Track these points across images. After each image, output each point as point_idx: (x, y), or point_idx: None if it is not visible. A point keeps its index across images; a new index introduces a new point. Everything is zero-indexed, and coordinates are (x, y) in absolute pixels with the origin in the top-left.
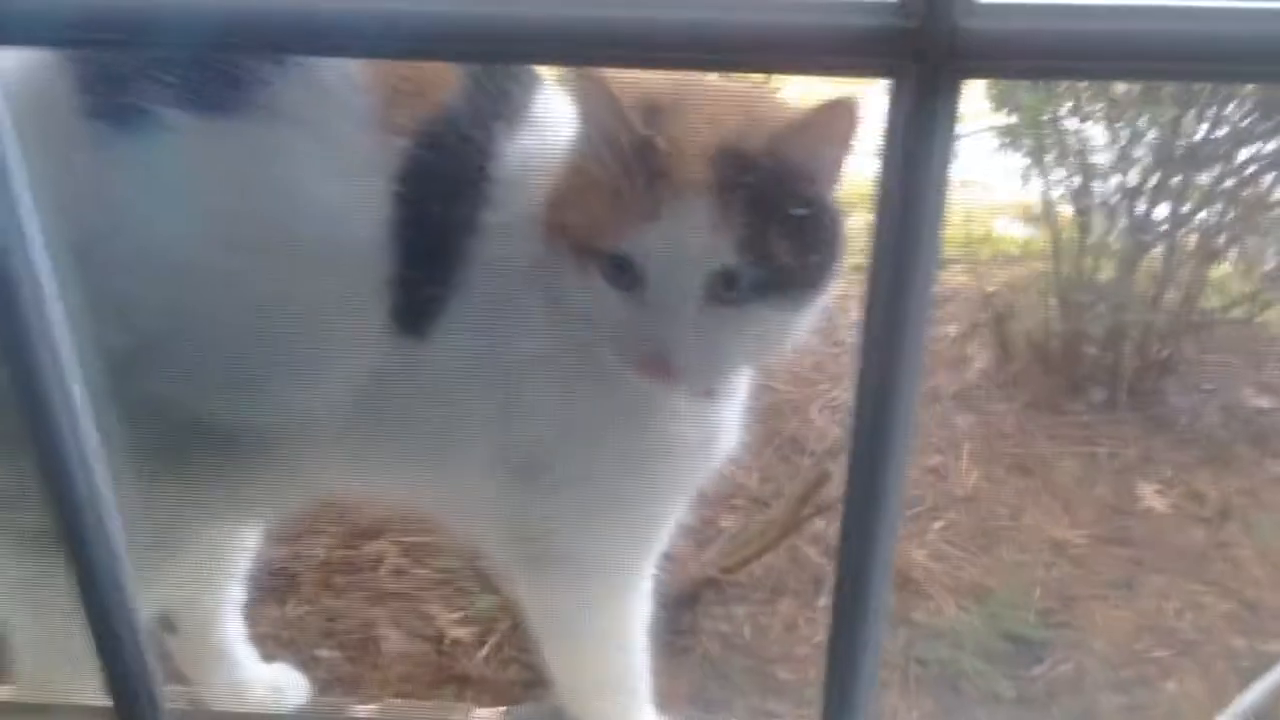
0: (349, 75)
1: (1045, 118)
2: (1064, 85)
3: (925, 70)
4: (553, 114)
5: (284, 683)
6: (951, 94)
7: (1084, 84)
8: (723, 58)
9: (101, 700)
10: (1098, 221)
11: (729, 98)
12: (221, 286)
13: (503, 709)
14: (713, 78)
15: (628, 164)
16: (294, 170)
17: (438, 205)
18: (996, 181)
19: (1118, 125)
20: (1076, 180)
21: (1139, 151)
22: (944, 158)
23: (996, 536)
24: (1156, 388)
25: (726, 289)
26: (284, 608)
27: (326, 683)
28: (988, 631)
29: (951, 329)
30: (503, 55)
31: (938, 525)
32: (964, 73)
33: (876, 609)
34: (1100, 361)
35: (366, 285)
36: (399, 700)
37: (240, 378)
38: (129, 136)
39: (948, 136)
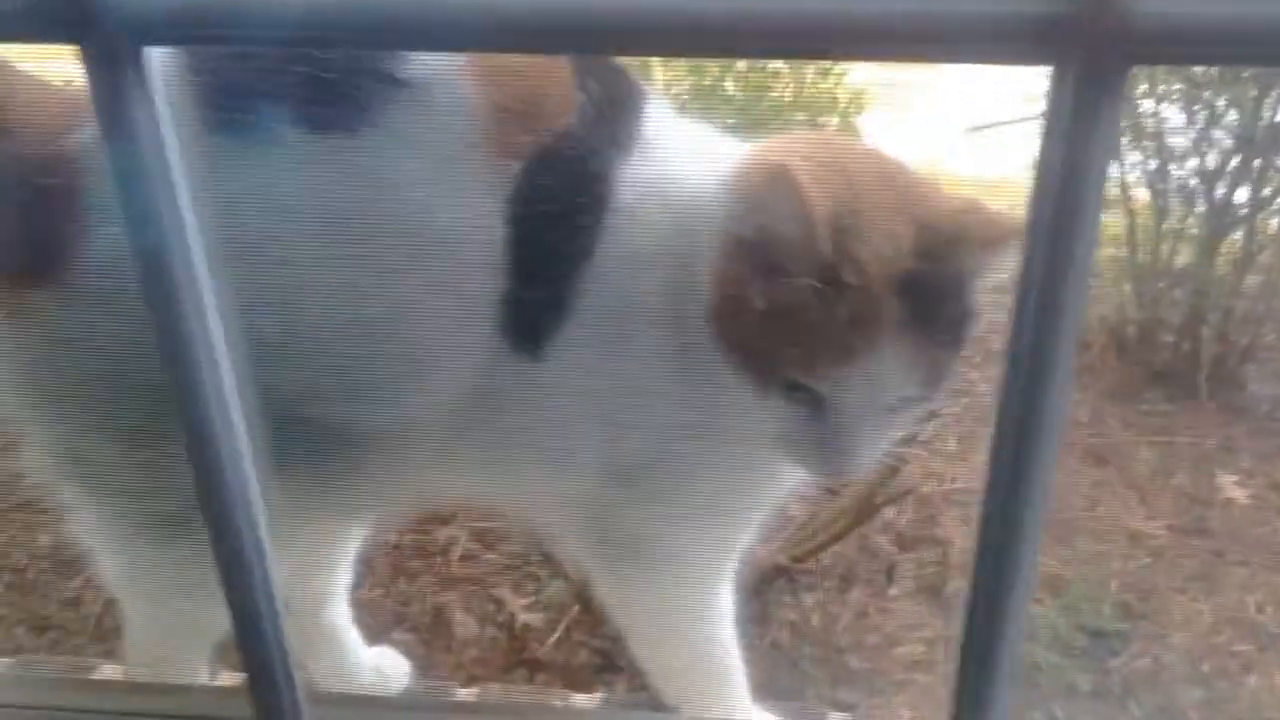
0: (461, 96)
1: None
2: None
3: (1092, 57)
4: (665, 139)
5: (388, 666)
6: (1118, 83)
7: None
8: (879, 47)
9: (221, 681)
10: (1175, 205)
11: (897, 195)
12: (332, 297)
13: (599, 695)
14: (893, 170)
15: (819, 299)
16: (405, 188)
17: (551, 229)
18: None
19: (1196, 107)
20: (1153, 163)
21: (1218, 134)
22: (1107, 150)
23: (1072, 527)
24: (1236, 375)
25: (899, 403)
26: (358, 591)
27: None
28: (1063, 624)
29: None
30: (630, 45)
31: None
32: (1133, 59)
33: (1015, 625)
34: (1178, 349)
35: (476, 303)
36: (497, 686)
37: (349, 384)
38: (247, 151)
39: (1112, 129)
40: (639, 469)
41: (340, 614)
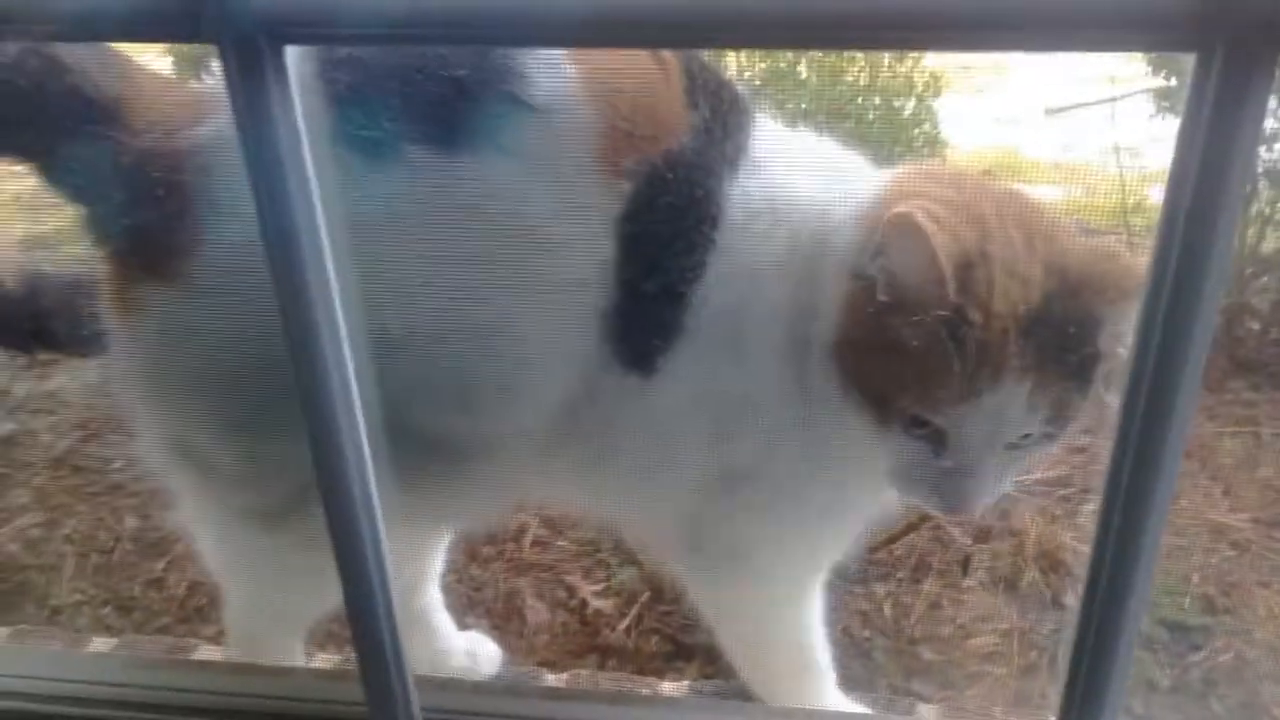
0: (579, 119)
1: None
2: None
3: (1237, 45)
4: (777, 156)
5: (479, 650)
6: (1265, 71)
7: None
8: (1021, 36)
9: (317, 663)
10: (1264, 189)
11: (1028, 236)
12: (445, 308)
13: (687, 683)
14: (1027, 213)
15: (942, 335)
16: (523, 206)
17: (662, 248)
18: (1152, 148)
19: None
20: None
21: None
22: (1253, 140)
23: None
24: None
25: (1022, 440)
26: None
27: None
28: (1144, 619)
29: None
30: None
31: (1088, 508)
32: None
33: (1132, 626)
34: (1264, 337)
35: (586, 320)
36: (585, 672)
37: (456, 393)
38: (374, 166)
39: (1258, 118)
40: (741, 482)
41: (433, 599)
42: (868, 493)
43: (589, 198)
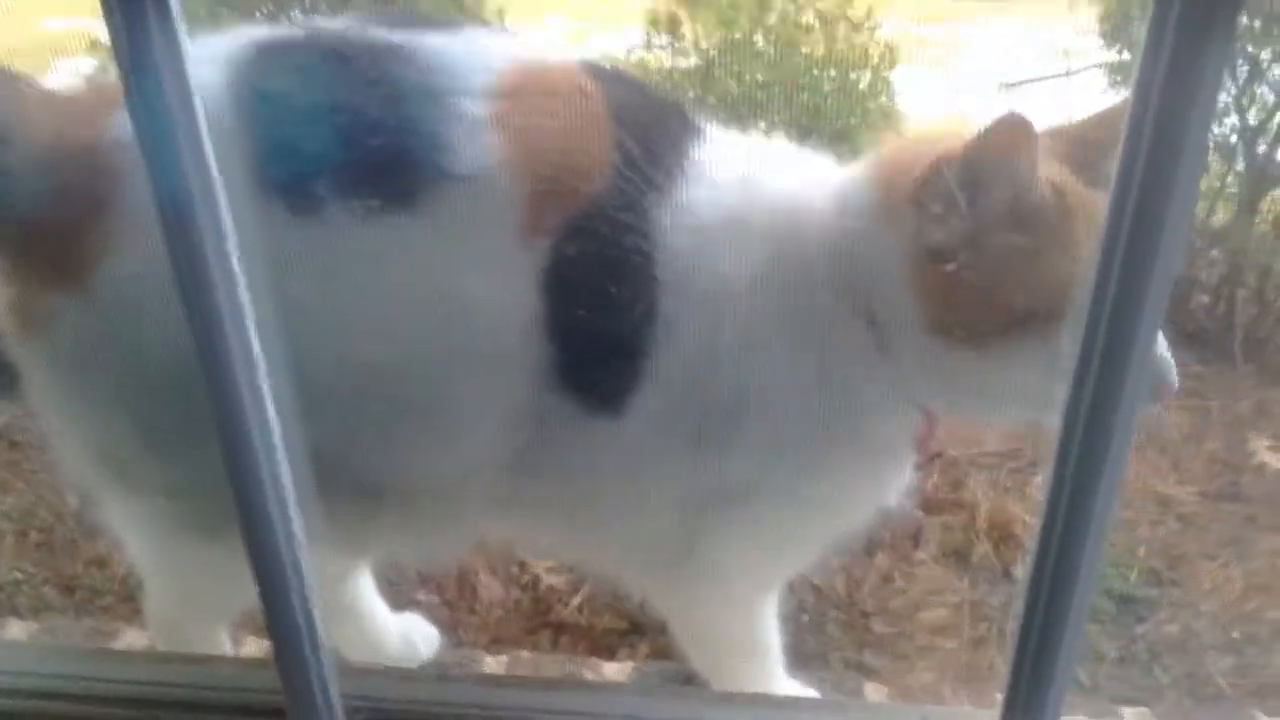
0: (500, 186)
1: None
2: None
3: None
4: (719, 163)
5: (415, 633)
6: (1226, 27)
7: None
8: None
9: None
10: (1214, 163)
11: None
12: (385, 364)
13: (632, 665)
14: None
15: (1052, 224)
16: (445, 270)
17: (603, 299)
18: None
19: (1238, 62)
20: None
21: (1260, 89)
22: (1211, 99)
23: None
24: (1272, 338)
25: None
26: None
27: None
28: None
29: None
30: None
31: (1039, 480)
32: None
33: (1082, 602)
34: (1212, 310)
35: (521, 373)
36: (526, 654)
37: (380, 445)
38: (298, 220)
39: (1217, 77)
40: (726, 500)
41: (363, 584)
42: (846, 499)
43: (513, 262)
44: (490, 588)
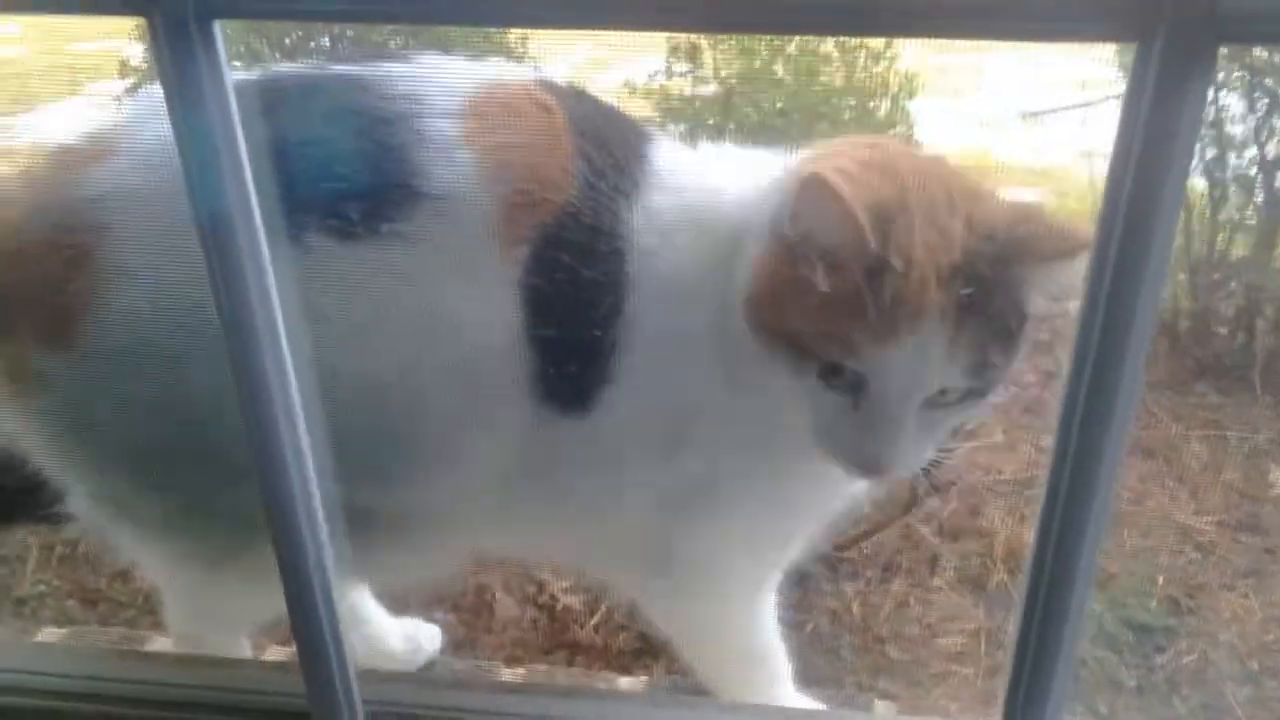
0: (474, 201)
1: None
2: None
3: (1178, 33)
4: (672, 168)
5: (417, 633)
6: (1206, 61)
7: (1222, 49)
8: (967, 25)
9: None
10: (1233, 195)
11: (949, 195)
12: (371, 388)
13: (643, 679)
14: (927, 165)
15: (862, 282)
16: (427, 287)
17: (571, 298)
18: None
19: (1256, 95)
20: (1211, 152)
21: (1278, 121)
22: (1192, 132)
23: (1119, 521)
24: None
25: (941, 398)
26: None
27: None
28: (1109, 619)
29: (1073, 306)
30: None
31: None
32: (1222, 37)
33: (1077, 619)
34: (1232, 341)
35: (507, 383)
36: (543, 667)
37: (387, 469)
38: (281, 252)
39: (1197, 109)
40: (696, 494)
41: (362, 592)
42: (811, 487)
43: (491, 273)
44: (506, 607)
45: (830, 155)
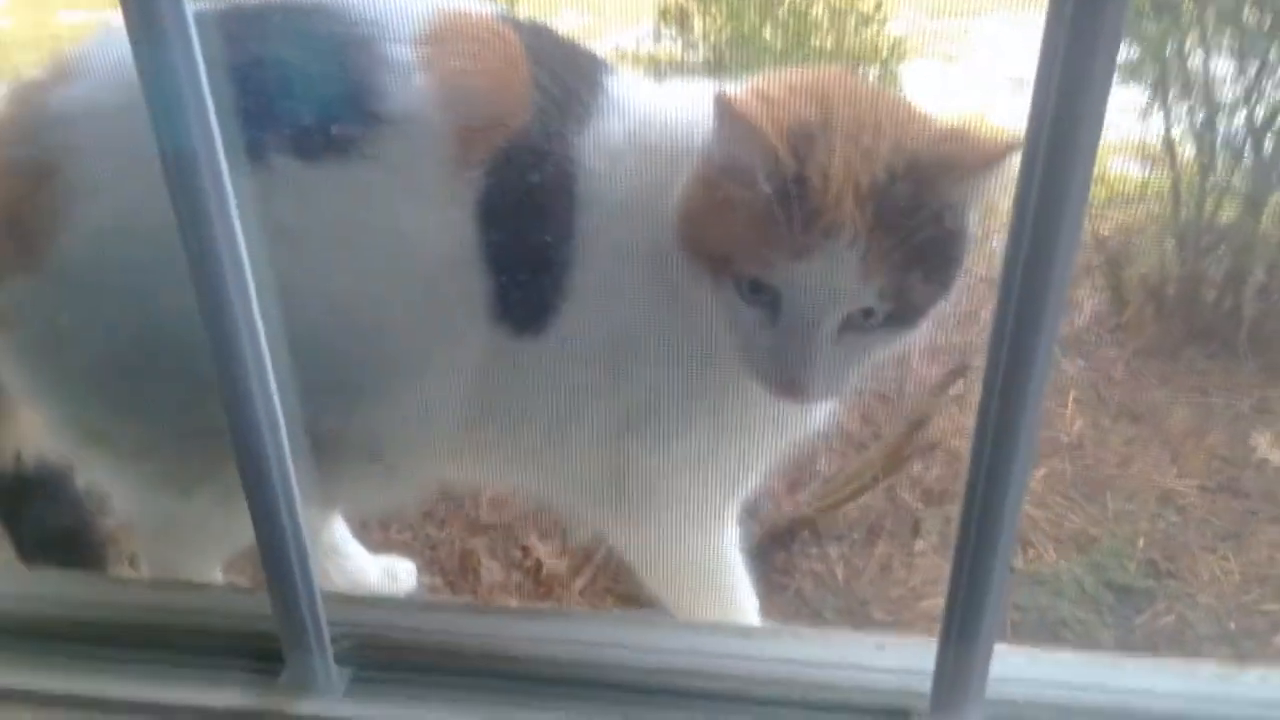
0: (430, 125)
1: (1169, 50)
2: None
3: None
4: (628, 97)
5: (395, 567)
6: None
7: (1211, 14)
8: None
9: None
10: (1221, 159)
11: (876, 118)
12: (332, 309)
13: None
14: (860, 90)
15: (778, 197)
16: (388, 208)
17: (525, 220)
18: (1113, 119)
19: (1246, 58)
20: (1200, 117)
21: (1267, 85)
22: (1110, 60)
23: (1102, 485)
24: (1277, 334)
25: (861, 321)
26: (388, 533)
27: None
28: (1090, 580)
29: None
30: None
31: (1041, 473)
32: None
33: (1004, 552)
34: (1219, 306)
35: (465, 302)
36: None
37: (347, 387)
38: (244, 174)
39: (1115, 40)
40: (645, 415)
41: (340, 526)
42: (760, 409)
43: (448, 193)
44: (492, 570)
45: (763, 81)
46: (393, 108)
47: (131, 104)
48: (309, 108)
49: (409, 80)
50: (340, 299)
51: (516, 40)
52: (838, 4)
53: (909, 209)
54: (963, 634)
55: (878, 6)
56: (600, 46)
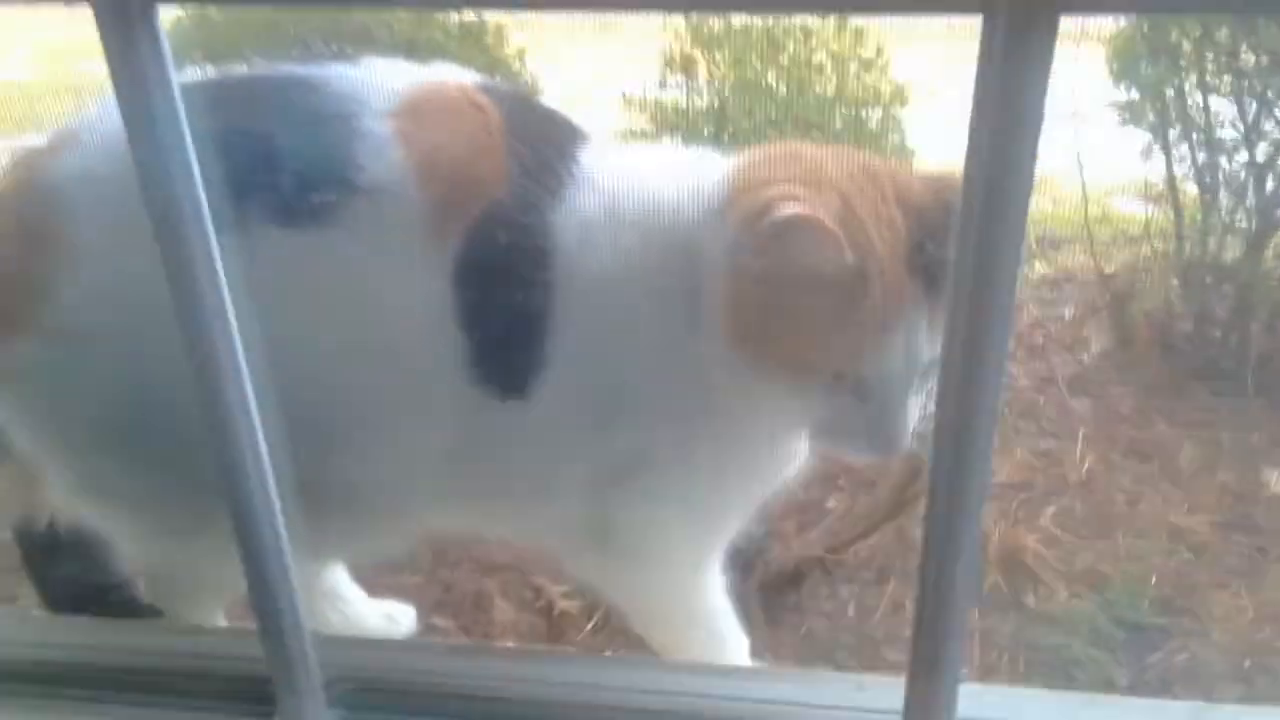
0: (407, 195)
1: (1169, 92)
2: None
3: (1018, 4)
4: (602, 168)
5: (394, 612)
6: (1048, 31)
7: (1209, 55)
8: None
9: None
10: (1224, 199)
11: (881, 186)
12: (311, 369)
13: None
14: (867, 164)
15: (849, 293)
16: (364, 277)
17: (501, 289)
18: (1115, 160)
19: (1245, 98)
20: (1201, 156)
21: (1268, 125)
22: (1040, 94)
23: (1112, 522)
24: None
25: (930, 366)
26: (400, 576)
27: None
28: (1102, 618)
29: (1067, 311)
30: None
31: (1050, 510)
32: (1063, 8)
33: (965, 576)
34: (1225, 344)
35: (443, 368)
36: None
37: (334, 447)
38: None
39: (1043, 78)
40: (630, 471)
41: (340, 574)
42: (748, 458)
43: (424, 263)
44: (504, 611)
45: (759, 172)
46: (367, 180)
47: (126, 172)
48: (286, 179)
49: (384, 153)
50: (322, 362)
51: (494, 111)
52: (839, 51)
53: (939, 260)
54: (929, 672)
55: (878, 52)
56: (608, 93)
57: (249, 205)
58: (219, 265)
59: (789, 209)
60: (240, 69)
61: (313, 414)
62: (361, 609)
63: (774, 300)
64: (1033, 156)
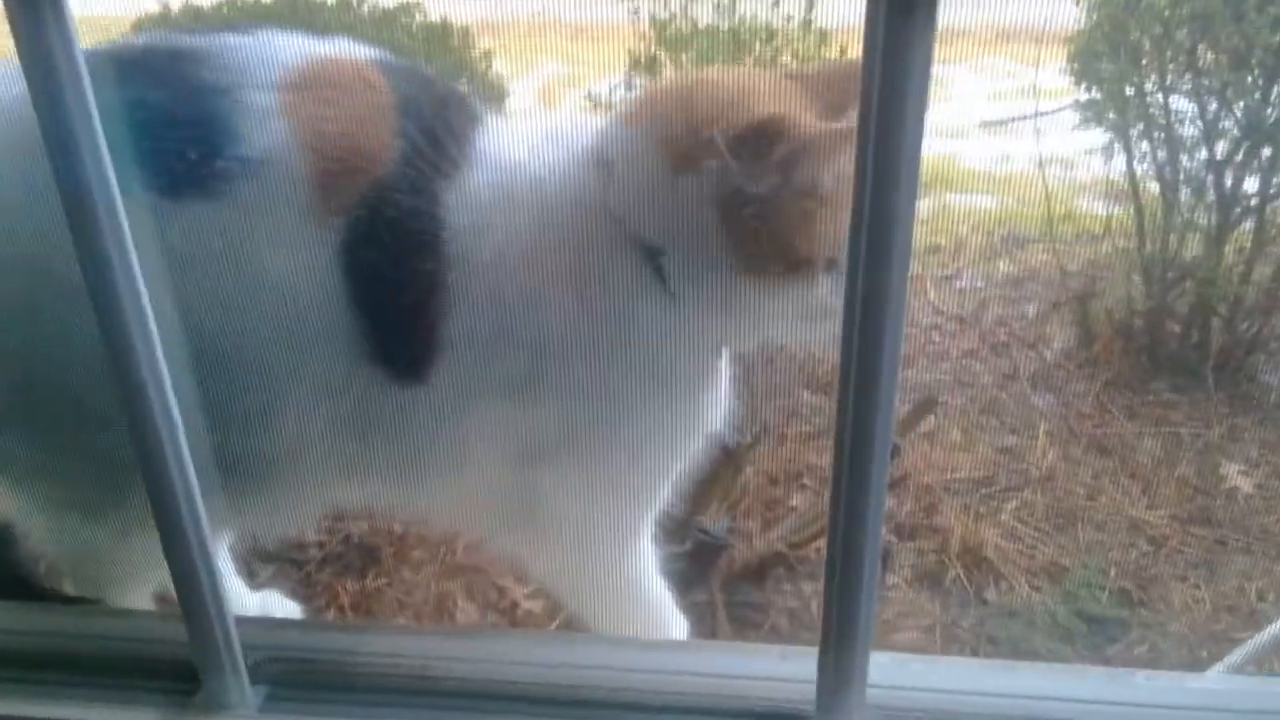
0: (292, 168)
1: (1130, 91)
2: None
3: None
4: (495, 147)
5: (273, 606)
6: (927, 9)
7: (1169, 54)
8: None
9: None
10: (1184, 195)
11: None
12: (207, 338)
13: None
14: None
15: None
16: (250, 250)
17: (394, 271)
18: (1077, 159)
19: (1205, 96)
20: (1162, 154)
21: (1227, 124)
22: (924, 76)
23: (1073, 517)
24: (1243, 365)
25: None
26: (364, 580)
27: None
28: (1062, 611)
29: (1030, 309)
30: None
31: (1011, 505)
32: None
33: (872, 546)
34: (1185, 339)
35: (329, 344)
36: None
37: (226, 421)
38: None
39: (926, 48)
40: (552, 446)
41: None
42: (668, 426)
43: (310, 237)
44: (468, 612)
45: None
46: (250, 152)
47: (28, 139)
48: (172, 150)
49: (267, 126)
50: (217, 333)
51: (385, 87)
52: (803, 52)
53: None
54: (840, 641)
55: (841, 53)
56: (576, 95)
57: (144, 176)
58: (127, 236)
59: (766, 114)
60: (135, 39)
61: (211, 388)
62: (241, 602)
63: (774, 209)
64: (920, 126)
